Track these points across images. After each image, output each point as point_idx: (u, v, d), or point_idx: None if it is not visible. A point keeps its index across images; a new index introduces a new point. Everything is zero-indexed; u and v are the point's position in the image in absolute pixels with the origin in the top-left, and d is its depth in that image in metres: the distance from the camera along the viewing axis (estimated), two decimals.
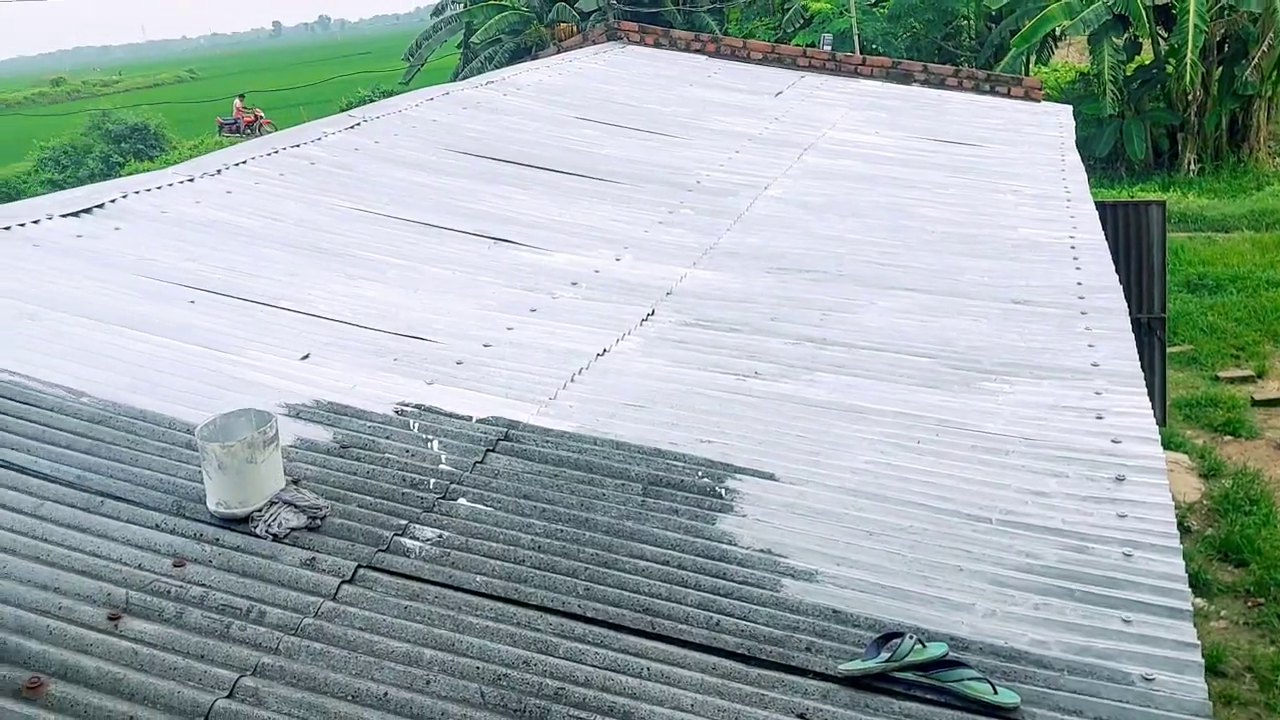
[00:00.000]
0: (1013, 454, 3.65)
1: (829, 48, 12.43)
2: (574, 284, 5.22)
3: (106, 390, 3.67)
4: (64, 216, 5.42)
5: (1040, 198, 7.21)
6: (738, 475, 3.43)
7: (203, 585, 2.70)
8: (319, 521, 3.02)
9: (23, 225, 5.23)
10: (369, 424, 3.65)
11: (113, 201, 5.71)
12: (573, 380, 4.14)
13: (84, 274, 4.74)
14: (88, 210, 5.54)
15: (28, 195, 29.79)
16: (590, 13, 18.47)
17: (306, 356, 4.19)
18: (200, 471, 3.06)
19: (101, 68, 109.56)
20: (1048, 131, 9.43)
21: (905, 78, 11.18)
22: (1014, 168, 8.07)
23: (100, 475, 3.15)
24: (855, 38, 17.63)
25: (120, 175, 29.51)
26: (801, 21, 18.98)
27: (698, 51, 11.74)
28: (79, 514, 2.96)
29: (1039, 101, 10.89)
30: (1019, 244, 6.18)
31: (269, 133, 32.22)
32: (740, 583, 2.86)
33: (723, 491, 3.33)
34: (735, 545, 3.04)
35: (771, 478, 3.43)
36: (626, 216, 6.33)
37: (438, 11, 24.27)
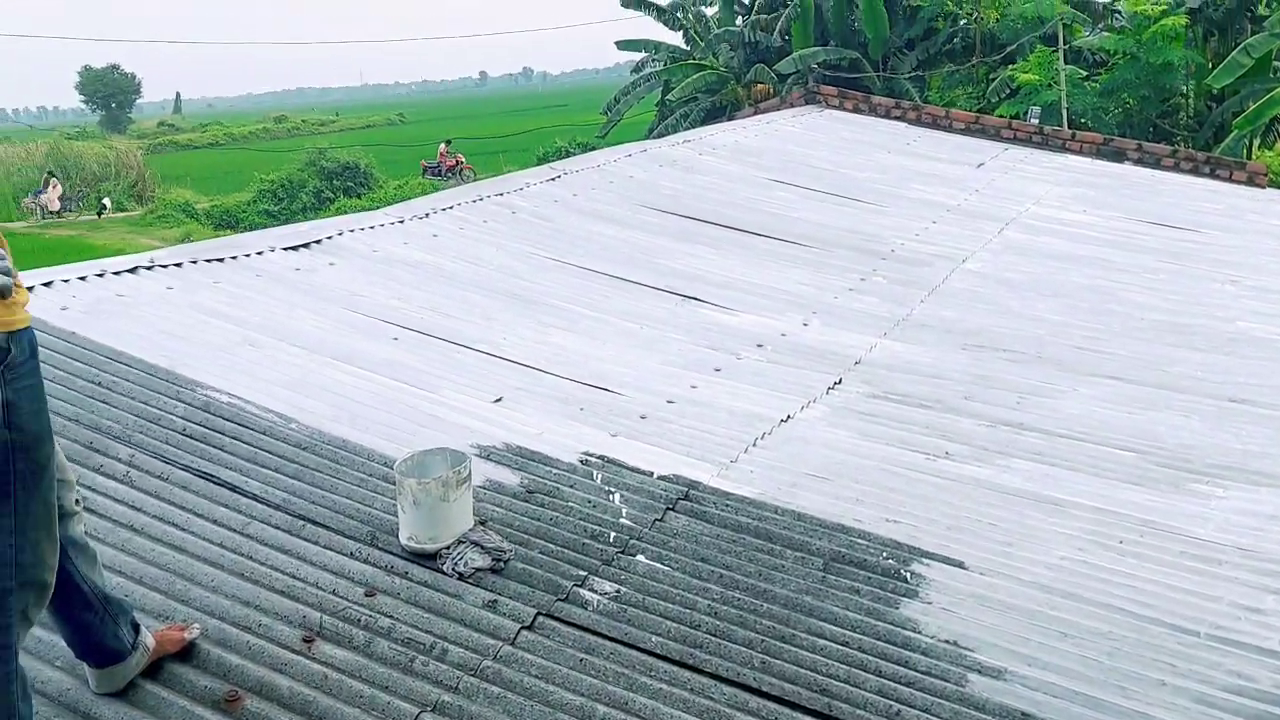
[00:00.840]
0: (1225, 564, 3.40)
1: (1036, 120, 12.07)
2: (760, 346, 5.19)
3: (314, 418, 3.86)
4: (285, 250, 5.77)
5: (1261, 290, 6.78)
6: (924, 559, 3.32)
7: (391, 617, 2.78)
8: (503, 564, 3.08)
9: (248, 256, 5.59)
10: (554, 471, 3.71)
11: (329, 238, 6.04)
12: (755, 444, 4.11)
13: (300, 305, 5.02)
14: (306, 245, 5.88)
15: (246, 223, 31.96)
16: (788, 75, 18.54)
17: (499, 400, 4.31)
18: (395, 504, 3.18)
19: (321, 108, 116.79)
20: (1272, 220, 8.89)
21: (1117, 155, 10.77)
22: (1233, 256, 7.63)
23: (303, 500, 3.30)
24: (1064, 111, 17.09)
25: (330, 210, 31.31)
26: (1007, 92, 18.55)
27: (898, 118, 11.63)
28: (282, 536, 3.11)
29: (1263, 188, 10.29)
30: (1236, 338, 5.82)
31: (469, 177, 33.66)
32: (923, 673, 2.75)
33: (908, 575, 3.22)
34: (919, 633, 2.93)
35: (960, 565, 3.30)
36: (816, 281, 6.28)
37: (637, 69, 24.87)
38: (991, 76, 19.86)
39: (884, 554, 3.32)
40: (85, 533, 2.33)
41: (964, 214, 8.23)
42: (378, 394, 4.21)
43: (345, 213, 30.18)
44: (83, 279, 4.87)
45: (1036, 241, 7.63)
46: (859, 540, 3.40)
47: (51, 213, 31.43)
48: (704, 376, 4.75)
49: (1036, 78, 17.74)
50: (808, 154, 9.78)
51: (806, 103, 12.24)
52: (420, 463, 3.24)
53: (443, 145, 37.34)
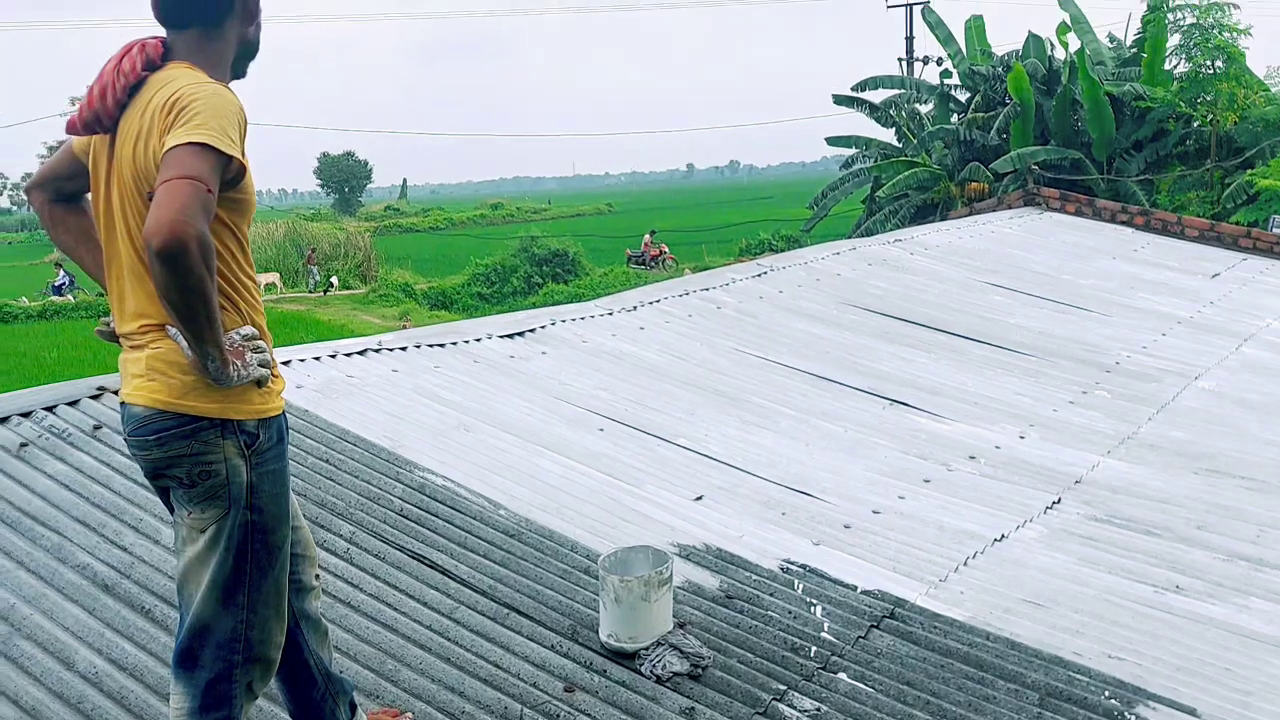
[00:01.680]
0: None
1: (1279, 230, 11.33)
2: (972, 458, 5.00)
3: (522, 506, 3.95)
4: (501, 337, 5.99)
5: None
6: (1151, 703, 3.06)
7: (589, 715, 2.77)
8: (701, 670, 3.03)
9: (467, 342, 5.83)
10: (754, 577, 3.65)
11: (542, 328, 6.24)
12: (966, 564, 3.93)
13: (513, 392, 5.18)
14: (521, 334, 6.09)
15: (459, 304, 33.46)
16: (1005, 174, 18.11)
17: (700, 498, 4.29)
18: (597, 599, 3.19)
19: (534, 196, 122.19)
20: None
21: None
22: None
23: (509, 588, 3.36)
24: None
25: (538, 294, 32.48)
26: (1245, 198, 17.50)
27: (1124, 223, 11.15)
28: (487, 623, 3.17)
29: None
30: None
31: (671, 267, 34.29)
32: None
33: (1132, 719, 2.98)
34: None
35: (1193, 713, 3.03)
36: (1034, 392, 6.03)
37: (846, 164, 24.86)
38: (1227, 181, 18.81)
39: (1105, 693, 3.09)
40: (320, 609, 2.44)
41: (1197, 327, 7.76)
42: (583, 485, 4.27)
43: (553, 297, 31.19)
44: (317, 359, 5.19)
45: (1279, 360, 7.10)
46: (1078, 676, 3.18)
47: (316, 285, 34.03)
48: (912, 487, 4.60)
49: (1278, 184, 16.69)
50: (1026, 257, 9.48)
51: (1025, 204, 11.91)
52: (623, 560, 3.25)
53: (648, 235, 38.31)
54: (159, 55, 2.12)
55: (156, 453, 2.09)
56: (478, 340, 5.89)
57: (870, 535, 4.11)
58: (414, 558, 3.48)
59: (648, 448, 4.77)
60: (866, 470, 4.77)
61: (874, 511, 4.32)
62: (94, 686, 2.66)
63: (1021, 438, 5.31)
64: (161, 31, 2.19)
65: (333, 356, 5.24)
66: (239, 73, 2.30)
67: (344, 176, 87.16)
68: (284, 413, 2.24)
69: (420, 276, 37.76)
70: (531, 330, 6.15)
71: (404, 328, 26.93)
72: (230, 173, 2.00)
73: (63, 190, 2.39)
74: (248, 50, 2.30)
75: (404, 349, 5.54)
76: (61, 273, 34.07)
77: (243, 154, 2.01)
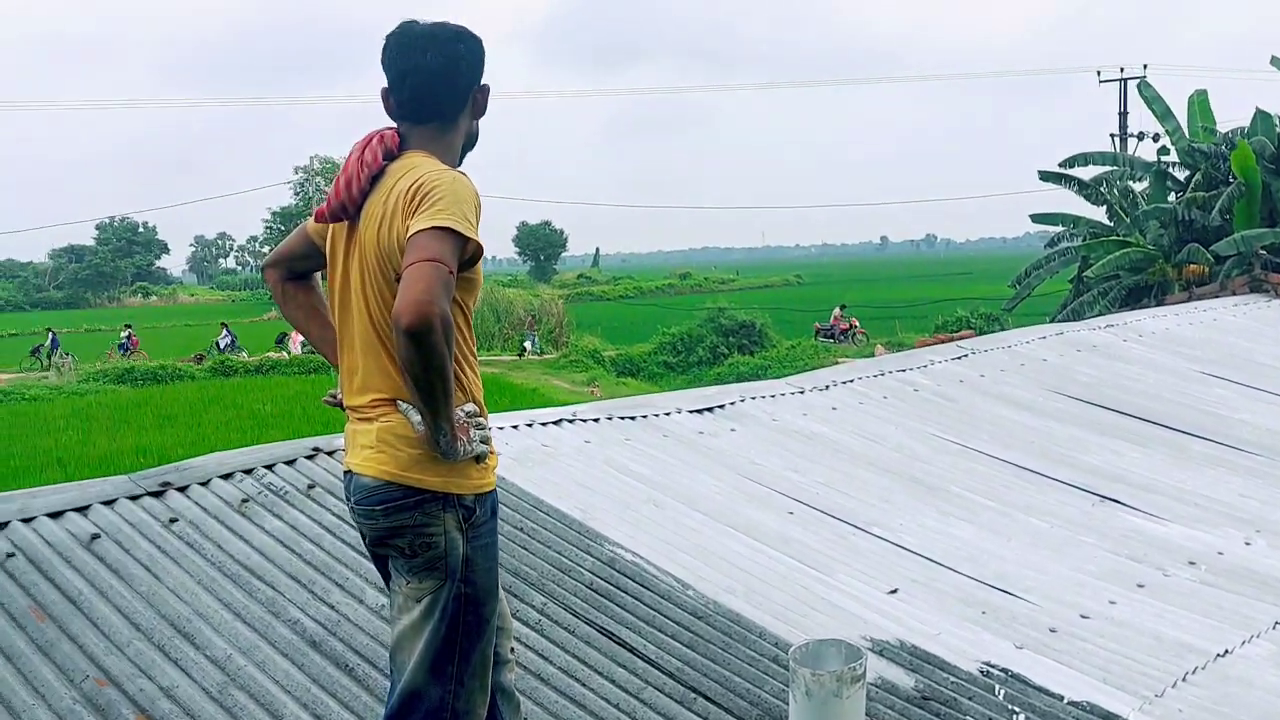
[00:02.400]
0: None
1: None
2: (1191, 564, 4.66)
3: (710, 587, 3.91)
4: (691, 412, 6.00)
5: None
6: None
7: None
8: None
9: (657, 415, 5.88)
10: (952, 678, 3.49)
11: (732, 404, 6.23)
12: (1185, 679, 3.65)
13: (702, 469, 5.18)
14: (710, 409, 6.09)
15: (645, 371, 33.86)
16: (1227, 257, 17.03)
17: (894, 591, 4.15)
18: (786, 691, 3.11)
19: (722, 267, 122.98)
20: None
21: None
22: None
23: (695, 672, 3.32)
24: None
25: (723, 365, 32.51)
26: None
27: None
28: (674, 706, 3.13)
29: None
30: None
31: (862, 341, 33.76)
32: None
33: None
34: None
35: None
36: (1262, 494, 5.59)
37: (1052, 242, 23.95)
38: None
39: None
40: (514, 681, 2.47)
41: None
42: (772, 569, 4.20)
43: (738, 368, 31.13)
44: (515, 427, 5.32)
45: None
46: None
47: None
48: (1124, 592, 4.32)
49: None
50: (1252, 348, 8.87)
51: (1251, 290, 11.18)
52: (815, 652, 3.16)
53: (838, 309, 37.89)
54: (396, 145, 2.25)
55: (382, 522, 2.20)
56: (667, 414, 5.92)
57: (1078, 641, 3.87)
58: (603, 634, 3.49)
59: (839, 534, 4.67)
60: (1074, 571, 4.52)
61: (1082, 616, 4.07)
62: None
63: (1247, 544, 4.92)
64: (382, 116, 2.34)
65: (529, 425, 5.36)
66: (459, 161, 2.43)
67: (540, 245, 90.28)
68: (496, 489, 2.31)
69: (609, 343, 38.48)
70: (721, 406, 6.15)
71: (593, 394, 27.39)
72: (467, 254, 2.12)
73: (295, 269, 2.56)
74: (471, 141, 2.43)
75: (596, 420, 5.63)
76: (225, 331, 37.02)
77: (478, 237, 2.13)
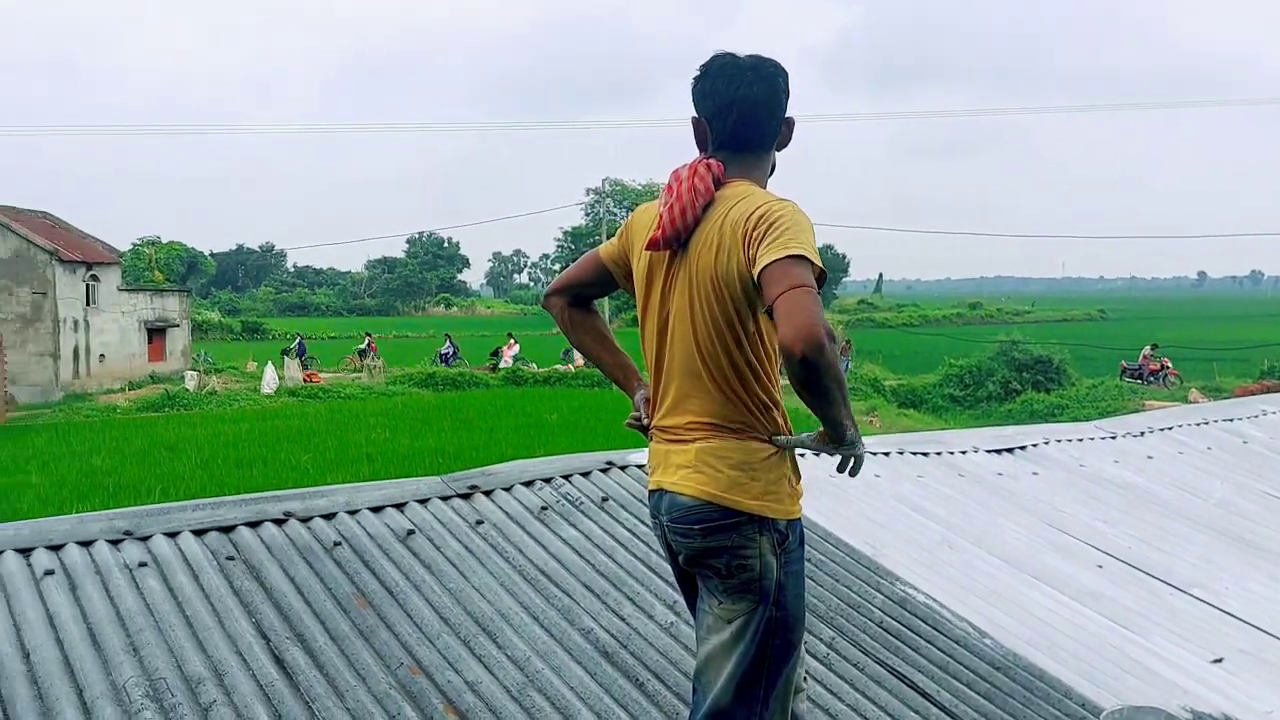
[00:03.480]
0: None
1: None
2: None
3: (1009, 638, 3.70)
4: (988, 451, 5.73)
5: None
6: None
7: None
8: None
9: (952, 453, 5.65)
10: None
11: (1034, 445, 5.90)
12: None
13: (1000, 512, 4.92)
14: (1010, 450, 5.80)
15: (929, 404, 32.77)
16: None
17: (1219, 660, 3.78)
18: None
19: (1017, 297, 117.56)
20: None
21: None
22: None
23: None
24: None
25: (1015, 402, 30.98)
26: None
27: None
28: None
29: None
30: None
31: (1174, 385, 31.22)
32: None
33: None
34: None
35: None
36: None
37: None
38: None
39: None
40: (805, 711, 2.44)
41: None
42: (1078, 625, 3.93)
43: (1032, 406, 29.56)
44: (801, 455, 5.26)
45: None
46: None
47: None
48: None
49: None
50: None
51: None
52: (1130, 718, 2.92)
53: (1148, 348, 35.26)
54: (721, 174, 2.28)
55: (699, 542, 2.23)
56: (963, 452, 5.69)
57: None
58: (894, 674, 3.37)
59: (1154, 593, 4.30)
60: None
61: None
62: None
63: None
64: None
65: (817, 455, 5.28)
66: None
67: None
68: (802, 517, 2.31)
69: (890, 372, 37.57)
70: (1022, 447, 5.84)
71: (871, 424, 26.85)
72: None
73: (581, 295, 2.63)
74: (771, 171, 2.42)
75: (886, 454, 5.48)
76: (449, 342, 39.16)
77: None
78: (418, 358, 39.12)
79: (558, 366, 36.07)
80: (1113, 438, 6.15)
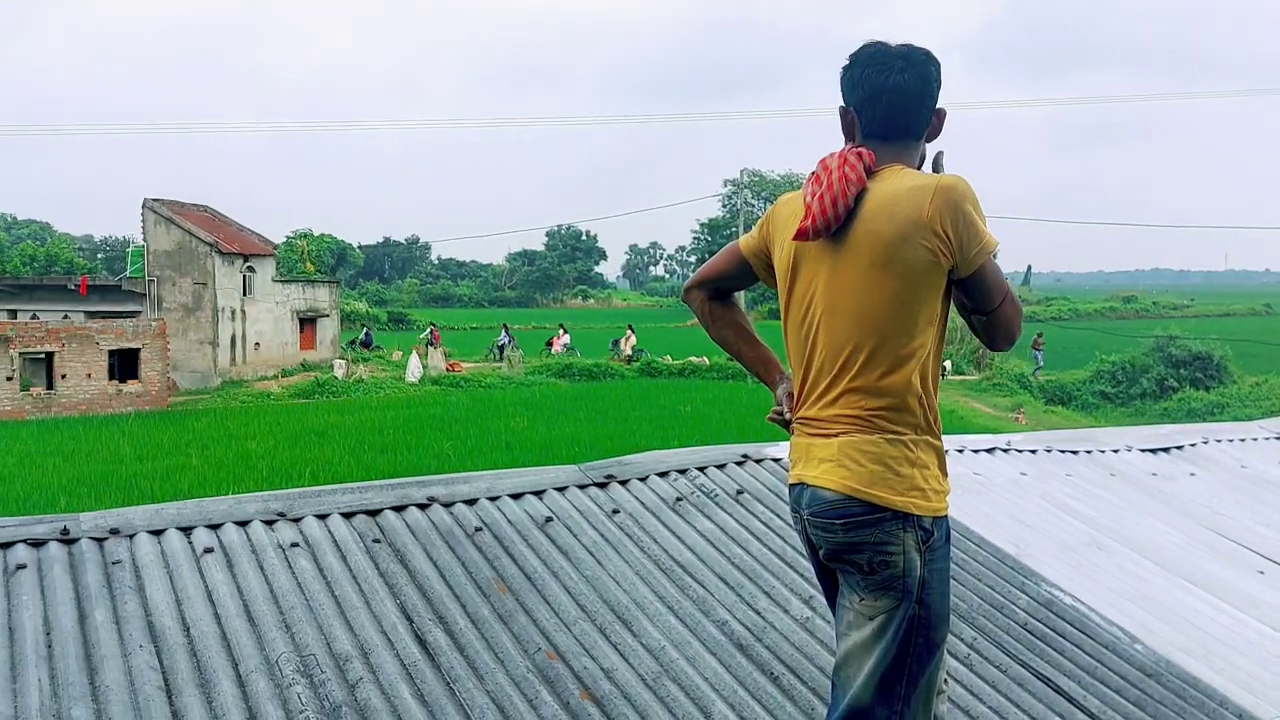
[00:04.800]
0: None
1: None
2: None
3: (1162, 644, 3.55)
4: (1142, 451, 5.50)
5: None
6: None
7: None
8: None
9: (1103, 451, 5.44)
10: None
11: (1192, 445, 5.63)
12: None
13: (1153, 514, 4.72)
14: (1165, 450, 5.55)
15: (1078, 400, 31.66)
16: None
17: None
18: None
19: (1175, 291, 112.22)
20: None
21: None
22: None
23: None
24: None
25: (1171, 399, 29.64)
26: None
27: None
28: None
29: None
30: None
31: None
32: None
33: None
34: None
35: None
36: None
37: None
38: None
39: None
40: (945, 713, 2.39)
41: None
42: (1236, 632, 3.74)
43: (1189, 404, 28.25)
44: (945, 452, 5.14)
45: None
46: None
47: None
48: None
49: None
50: None
51: None
52: None
53: None
54: (873, 162, 2.24)
55: (841, 536, 2.20)
56: (1115, 451, 5.47)
57: None
58: (1038, 678, 3.27)
59: None
60: None
61: None
62: None
63: None
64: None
65: (959, 451, 5.16)
66: None
67: None
68: (948, 515, 2.26)
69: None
70: (1179, 447, 5.58)
71: (1017, 420, 26.05)
72: None
73: (721, 288, 2.62)
74: (919, 162, 2.36)
75: (1033, 452, 5.31)
76: (505, 332, 40.13)
77: None
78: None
79: (691, 359, 36.11)
80: (1278, 438, 5.82)
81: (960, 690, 3.14)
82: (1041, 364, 35.95)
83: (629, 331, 40.89)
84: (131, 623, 2.87)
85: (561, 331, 41.31)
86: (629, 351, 38.16)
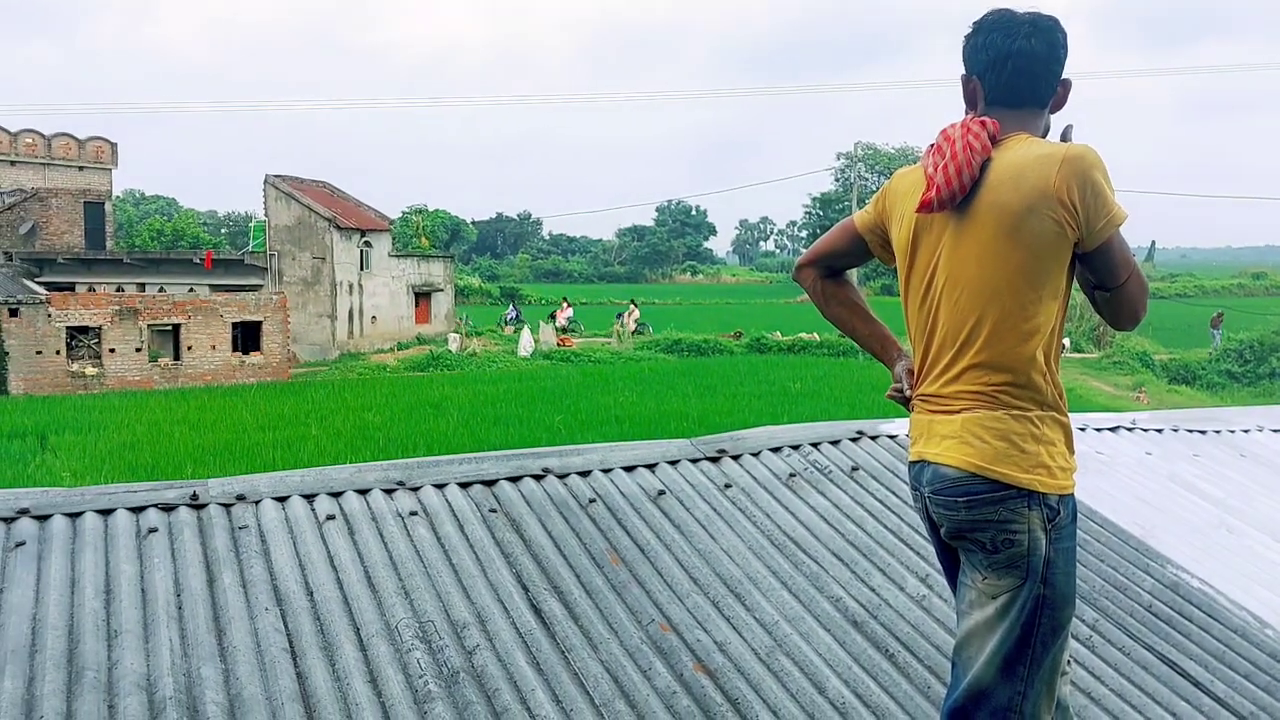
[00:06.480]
0: None
1: None
2: None
3: None
4: (1274, 431, 5.28)
5: None
6: None
7: None
8: None
9: (1232, 431, 5.24)
10: None
11: None
12: None
13: None
14: None
15: (1203, 380, 30.41)
16: None
17: None
18: None
19: None
20: None
21: None
22: None
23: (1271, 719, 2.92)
24: None
25: None
26: None
27: None
28: None
29: None
30: None
31: None
32: None
33: None
34: None
35: None
36: None
37: None
38: None
39: None
40: (1068, 695, 2.35)
41: None
42: None
43: None
44: None
45: None
46: None
47: None
48: None
49: None
50: None
51: None
52: None
53: None
54: (997, 131, 2.19)
55: (964, 514, 2.17)
56: (1245, 431, 5.26)
57: None
58: (1163, 661, 3.19)
59: None
60: None
61: None
62: (840, 715, 2.83)
63: None
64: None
65: (1081, 430, 5.03)
66: None
67: None
68: (1074, 493, 2.21)
69: (1160, 346, 35.12)
70: None
71: (1138, 400, 25.19)
72: None
73: (833, 266, 2.58)
74: (1044, 134, 2.29)
75: (1159, 431, 5.14)
76: (513, 307, 41.68)
77: None
78: (662, 324, 39.89)
79: (801, 335, 35.80)
80: None
81: (1081, 672, 3.08)
82: (1218, 343, 34.37)
83: (632, 306, 41.64)
84: (258, 586, 2.99)
85: (565, 304, 42.12)
86: (633, 326, 38.58)
